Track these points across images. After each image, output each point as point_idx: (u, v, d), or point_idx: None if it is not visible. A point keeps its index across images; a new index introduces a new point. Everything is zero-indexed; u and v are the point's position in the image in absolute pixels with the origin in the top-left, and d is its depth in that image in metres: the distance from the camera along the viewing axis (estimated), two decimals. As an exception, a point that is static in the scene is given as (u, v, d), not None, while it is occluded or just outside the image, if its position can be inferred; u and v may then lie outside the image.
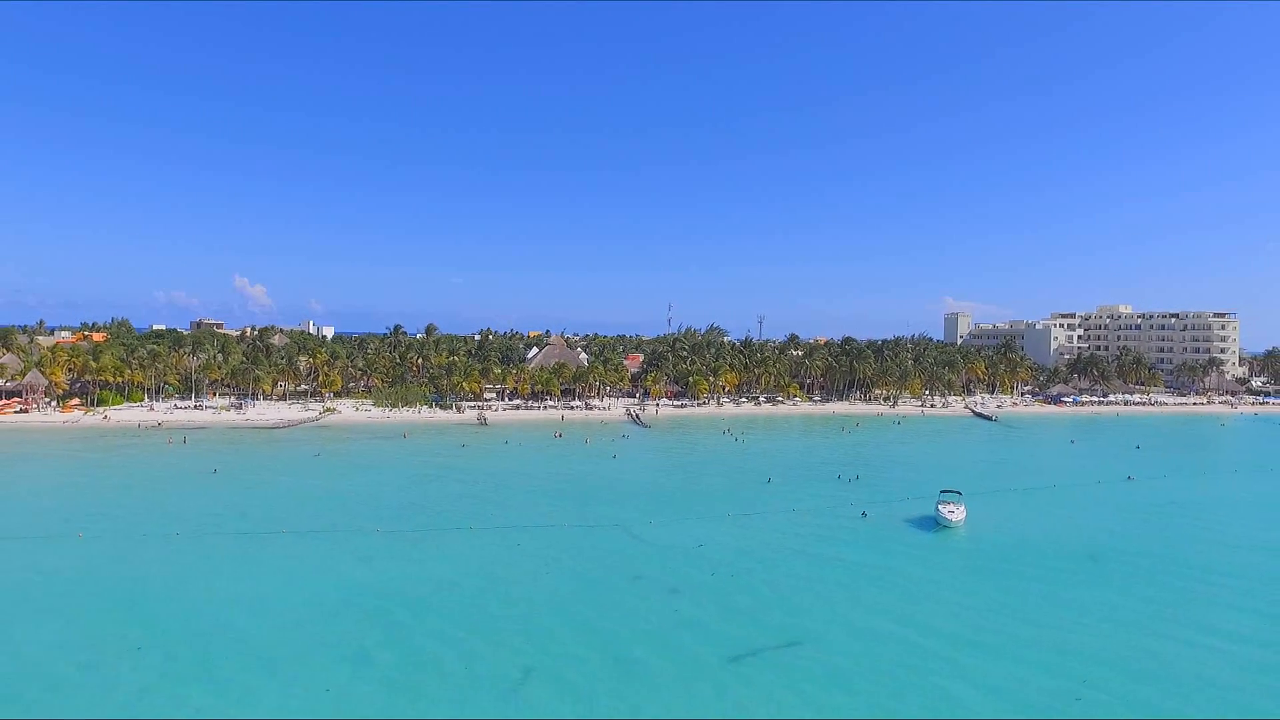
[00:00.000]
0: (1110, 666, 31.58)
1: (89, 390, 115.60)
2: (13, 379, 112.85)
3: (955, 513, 55.24)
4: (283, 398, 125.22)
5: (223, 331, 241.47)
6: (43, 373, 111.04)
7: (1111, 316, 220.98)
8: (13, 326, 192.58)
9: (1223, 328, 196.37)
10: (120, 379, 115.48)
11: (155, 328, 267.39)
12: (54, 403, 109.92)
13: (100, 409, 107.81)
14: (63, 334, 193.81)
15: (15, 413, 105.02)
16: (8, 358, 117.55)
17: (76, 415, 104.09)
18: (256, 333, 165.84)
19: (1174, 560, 47.46)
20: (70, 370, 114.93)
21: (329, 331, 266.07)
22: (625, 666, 30.55)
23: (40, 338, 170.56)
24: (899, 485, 69.15)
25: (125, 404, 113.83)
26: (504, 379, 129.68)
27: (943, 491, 59.19)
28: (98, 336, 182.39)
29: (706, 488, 68.02)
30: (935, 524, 54.74)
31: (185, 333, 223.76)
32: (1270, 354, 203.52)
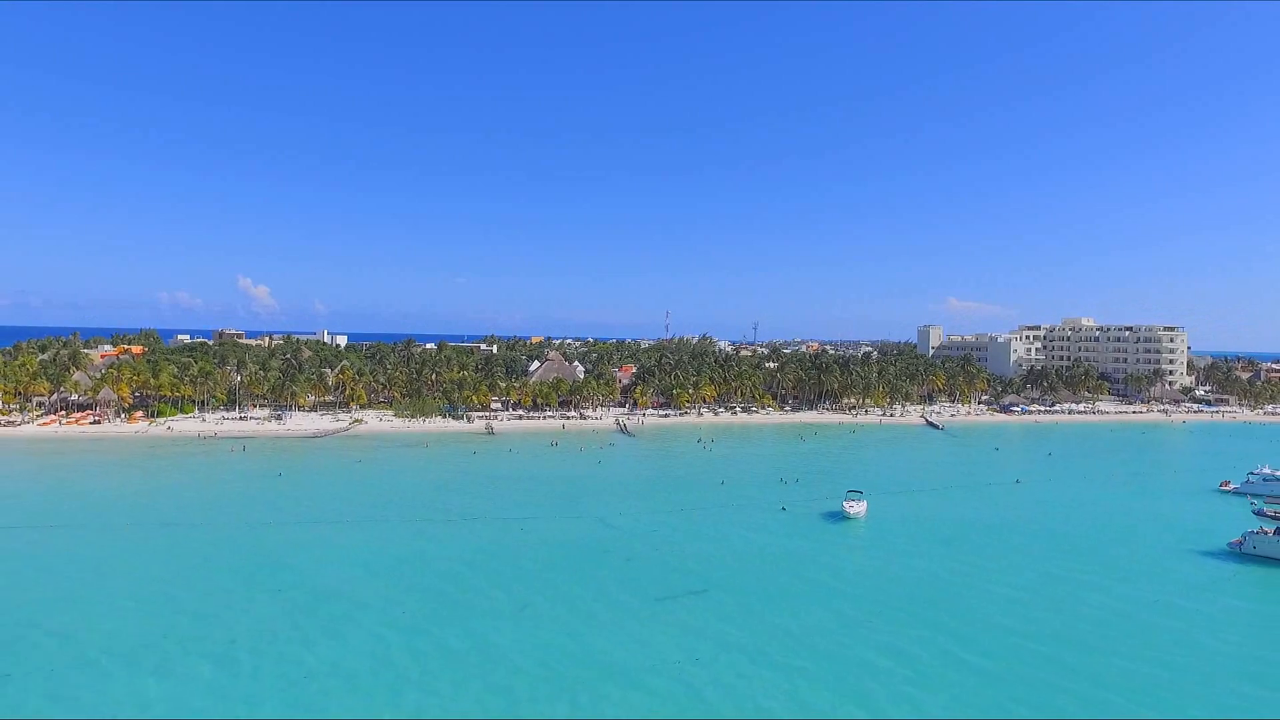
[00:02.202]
0: (914, 595, 48.92)
1: (149, 403, 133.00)
2: (85, 394, 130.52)
3: (854, 507, 72.15)
4: (313, 409, 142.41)
5: (245, 342, 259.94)
6: (112, 389, 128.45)
7: (1073, 329, 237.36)
8: (51, 338, 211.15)
9: (1171, 340, 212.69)
10: (176, 394, 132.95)
11: (180, 337, 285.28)
12: (122, 415, 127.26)
13: (162, 420, 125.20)
14: (104, 347, 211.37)
15: (90, 423, 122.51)
16: (79, 375, 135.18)
17: (143, 426, 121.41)
18: (293, 347, 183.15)
19: (1003, 539, 64.37)
20: (132, 386, 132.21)
21: (342, 340, 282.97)
22: (589, 604, 47.56)
23: (87, 351, 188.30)
24: (827, 486, 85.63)
25: (179, 415, 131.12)
26: (508, 392, 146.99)
27: (849, 491, 76.24)
28: (136, 350, 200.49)
29: (670, 488, 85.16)
30: (840, 516, 71.65)
31: (210, 343, 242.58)
32: (1213, 365, 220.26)
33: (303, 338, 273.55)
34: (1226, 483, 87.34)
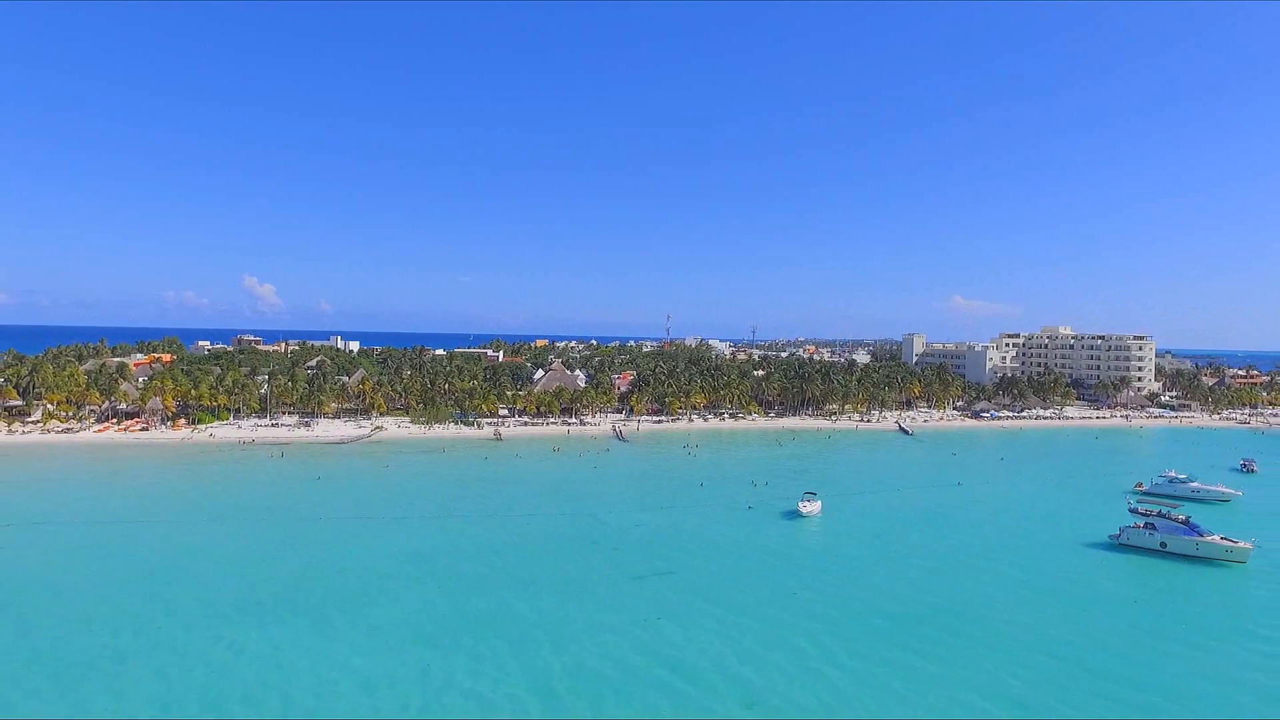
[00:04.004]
0: (842, 573, 62.12)
1: (189, 411, 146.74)
2: (133, 403, 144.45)
3: (807, 506, 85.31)
4: (336, 415, 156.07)
5: (262, 348, 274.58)
6: (158, 399, 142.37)
7: (1051, 337, 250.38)
8: (80, 344, 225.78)
9: (1140, 349, 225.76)
10: (214, 403, 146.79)
11: (200, 343, 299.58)
12: (167, 422, 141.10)
13: (204, 427, 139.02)
14: (136, 356, 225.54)
15: (140, 430, 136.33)
16: (126, 385, 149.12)
17: (187, 433, 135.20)
18: (311, 354, 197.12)
19: (926, 531, 77.49)
20: (175, 396, 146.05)
21: (354, 346, 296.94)
22: (580, 581, 60.96)
23: (121, 359, 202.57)
24: (793, 488, 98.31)
25: (217, 422, 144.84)
26: (515, 401, 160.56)
27: (805, 492, 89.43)
28: (165, 358, 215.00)
29: (654, 490, 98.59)
30: (796, 514, 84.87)
31: (230, 349, 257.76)
32: (1179, 372, 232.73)
33: (316, 343, 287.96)
34: (1140, 484, 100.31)
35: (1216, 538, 69.22)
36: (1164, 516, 72.53)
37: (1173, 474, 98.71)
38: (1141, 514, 74.14)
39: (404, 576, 60.89)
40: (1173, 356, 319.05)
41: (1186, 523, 70.97)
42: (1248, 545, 68.15)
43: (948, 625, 52.11)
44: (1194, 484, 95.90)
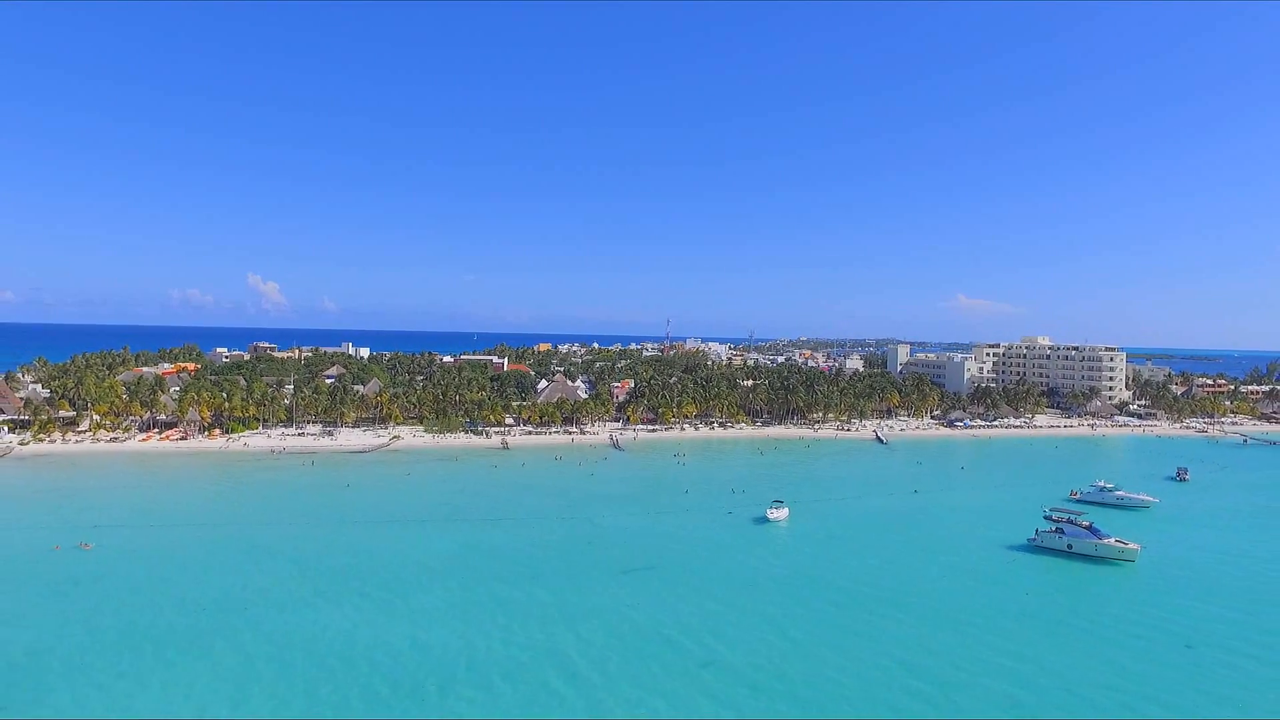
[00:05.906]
0: (800, 570, 75.25)
1: (222, 421, 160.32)
2: (171, 414, 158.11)
3: (775, 513, 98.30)
4: (355, 424, 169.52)
5: (278, 355, 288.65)
6: (196, 410, 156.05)
7: (1029, 347, 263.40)
8: (105, 351, 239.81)
9: (1111, 360, 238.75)
10: (245, 413, 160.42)
11: (218, 350, 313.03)
12: (202, 432, 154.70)
13: (237, 436, 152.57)
14: (163, 365, 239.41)
15: (179, 439, 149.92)
16: (164, 398, 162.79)
17: (223, 442, 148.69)
18: (326, 362, 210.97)
19: (877, 534, 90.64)
20: (210, 407, 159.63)
21: (365, 352, 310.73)
22: (575, 575, 74.13)
23: (152, 369, 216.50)
24: (768, 495, 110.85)
25: (248, 431, 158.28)
26: (520, 411, 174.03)
27: (774, 500, 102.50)
28: (190, 367, 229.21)
29: (645, 496, 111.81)
30: (765, 520, 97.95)
31: (247, 358, 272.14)
32: (1147, 381, 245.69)
33: (328, 349, 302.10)
34: (1075, 492, 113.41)
35: (1112, 540, 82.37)
36: (1071, 522, 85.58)
37: (1102, 483, 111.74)
38: (1053, 520, 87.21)
39: (434, 569, 74.30)
40: (1153, 365, 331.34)
41: (1089, 528, 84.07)
42: (1136, 546, 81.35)
43: (880, 600, 66.15)
44: (1119, 492, 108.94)
